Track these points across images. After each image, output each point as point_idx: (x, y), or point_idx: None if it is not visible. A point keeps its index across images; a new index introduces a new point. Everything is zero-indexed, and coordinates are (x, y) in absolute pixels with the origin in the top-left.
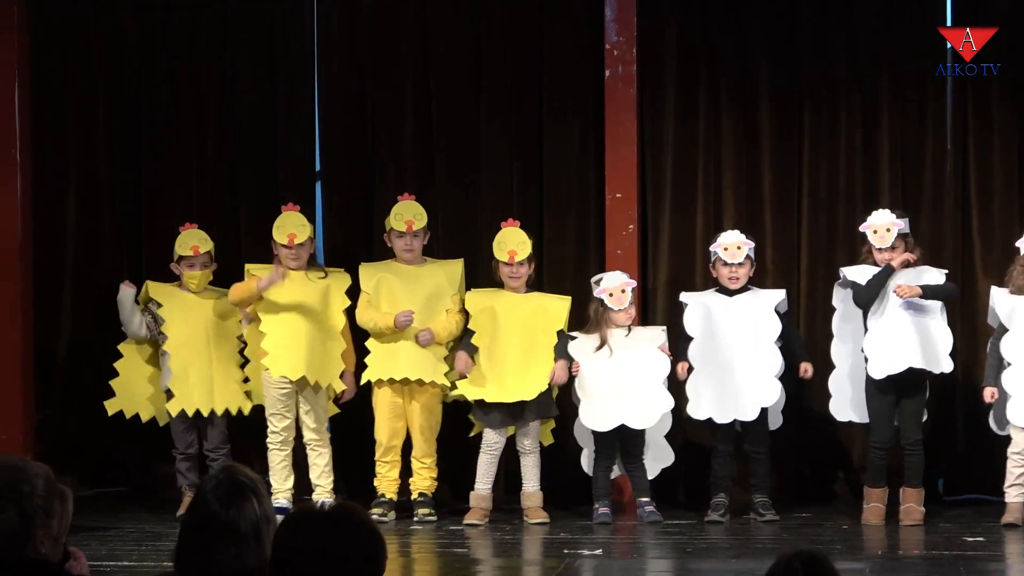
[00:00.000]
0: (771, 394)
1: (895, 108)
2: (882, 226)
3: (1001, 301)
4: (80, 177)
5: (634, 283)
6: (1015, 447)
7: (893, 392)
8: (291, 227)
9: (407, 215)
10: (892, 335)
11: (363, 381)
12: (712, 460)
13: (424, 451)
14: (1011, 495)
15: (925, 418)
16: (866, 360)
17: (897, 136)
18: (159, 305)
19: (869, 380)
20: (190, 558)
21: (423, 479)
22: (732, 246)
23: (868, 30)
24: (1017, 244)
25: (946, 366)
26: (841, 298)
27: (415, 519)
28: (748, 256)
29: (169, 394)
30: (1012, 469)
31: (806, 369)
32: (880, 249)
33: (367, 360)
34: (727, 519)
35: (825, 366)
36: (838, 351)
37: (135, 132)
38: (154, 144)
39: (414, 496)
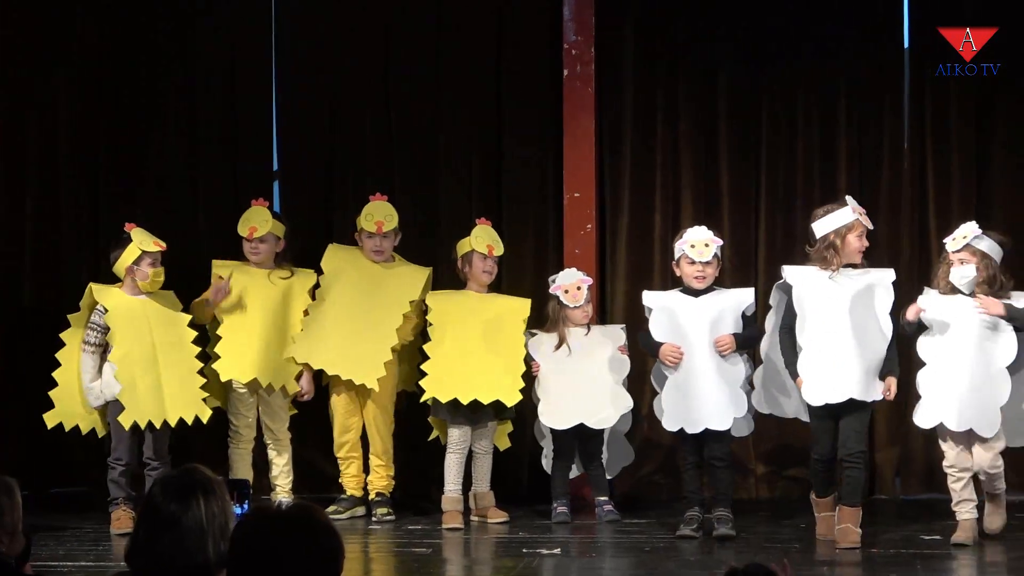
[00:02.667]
0: (741, 403)
1: (853, 109)
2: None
3: (924, 301)
4: (39, 179)
5: (590, 281)
6: (947, 461)
7: (834, 409)
8: (253, 220)
9: (378, 216)
10: (831, 361)
11: (285, 356)
12: (683, 473)
13: (380, 450)
14: (961, 512)
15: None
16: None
17: (854, 136)
18: (105, 310)
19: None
20: (137, 551)
21: (380, 478)
22: (700, 243)
23: (827, 31)
24: (944, 241)
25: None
26: (778, 299)
27: (373, 519)
28: (715, 255)
29: (118, 405)
30: (953, 485)
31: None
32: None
33: (296, 337)
34: (700, 534)
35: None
36: (769, 349)
37: (94, 134)
38: (113, 145)
39: (372, 496)
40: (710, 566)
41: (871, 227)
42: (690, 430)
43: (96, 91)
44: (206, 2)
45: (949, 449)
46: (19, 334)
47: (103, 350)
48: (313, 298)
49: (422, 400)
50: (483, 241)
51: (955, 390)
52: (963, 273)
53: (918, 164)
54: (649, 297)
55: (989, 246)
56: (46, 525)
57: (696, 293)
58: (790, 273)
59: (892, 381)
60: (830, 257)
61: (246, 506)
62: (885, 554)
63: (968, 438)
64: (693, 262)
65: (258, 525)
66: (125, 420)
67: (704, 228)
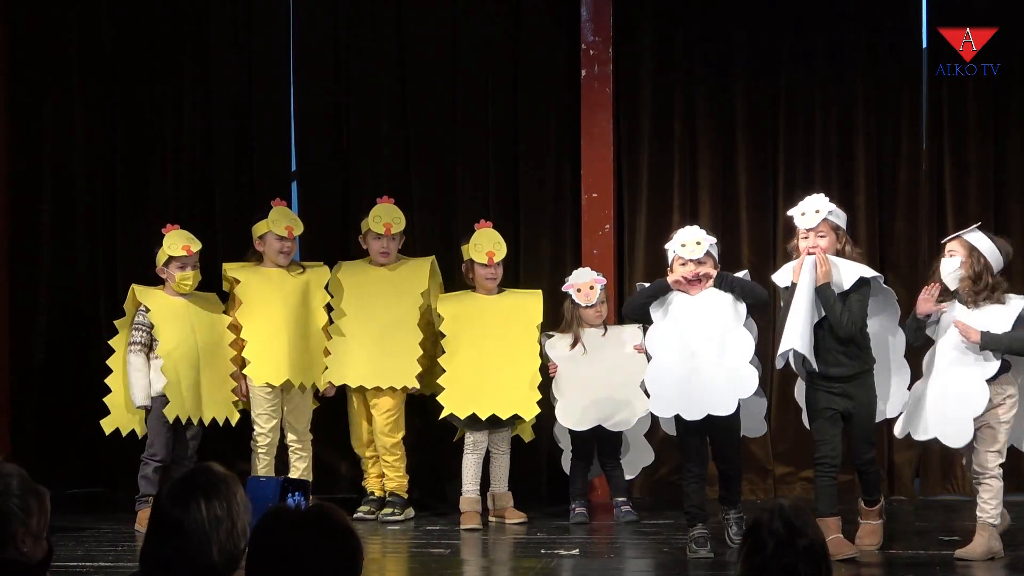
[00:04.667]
0: (749, 383)
1: (870, 108)
2: (691, 240)
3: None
4: (56, 180)
5: (603, 280)
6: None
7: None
8: (286, 220)
9: (386, 218)
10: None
11: (324, 382)
12: (684, 486)
13: (387, 452)
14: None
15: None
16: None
17: (872, 135)
18: (147, 310)
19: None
20: (146, 553)
21: (390, 480)
22: (691, 242)
23: (846, 30)
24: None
25: (890, 412)
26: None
27: (379, 518)
28: (709, 253)
29: (160, 399)
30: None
31: None
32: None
33: (328, 362)
34: (713, 554)
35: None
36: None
37: (111, 134)
38: (130, 146)
39: (386, 496)
40: (723, 566)
41: (804, 226)
42: (688, 416)
43: (112, 93)
44: (224, 4)
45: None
46: (35, 337)
47: (149, 349)
48: (330, 294)
49: (441, 417)
50: (482, 249)
51: (928, 400)
52: (948, 266)
53: (936, 164)
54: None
55: (984, 244)
56: (64, 526)
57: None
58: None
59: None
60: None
61: (295, 501)
62: (903, 555)
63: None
64: (685, 262)
65: (278, 525)
66: (169, 412)
67: (695, 227)
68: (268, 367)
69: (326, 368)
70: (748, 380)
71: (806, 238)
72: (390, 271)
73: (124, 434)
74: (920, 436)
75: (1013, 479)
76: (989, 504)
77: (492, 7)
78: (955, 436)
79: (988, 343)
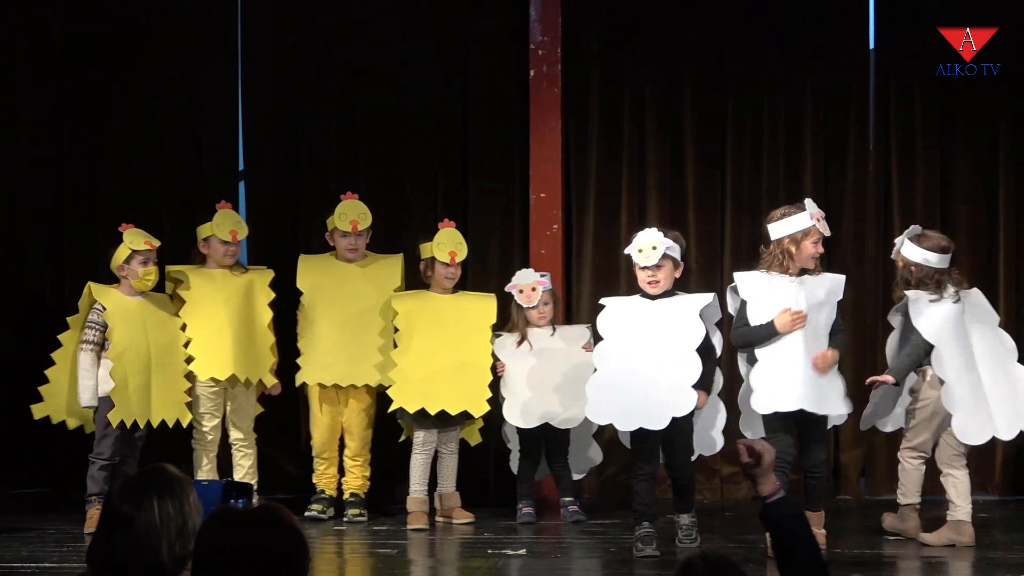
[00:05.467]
0: (686, 404)
1: (818, 110)
2: (647, 244)
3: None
4: (1, 180)
5: (546, 282)
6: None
7: (789, 419)
8: (231, 224)
9: (352, 215)
10: (783, 372)
11: (298, 383)
12: (634, 484)
13: (356, 451)
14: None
15: (851, 410)
16: (751, 391)
17: (820, 138)
18: (103, 309)
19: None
20: (95, 549)
21: (355, 478)
22: (647, 247)
23: (794, 30)
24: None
25: (841, 409)
26: (735, 306)
27: (344, 519)
28: (667, 256)
29: (107, 401)
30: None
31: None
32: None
33: (300, 361)
34: (659, 552)
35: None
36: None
37: (57, 134)
38: (77, 146)
39: (346, 496)
40: (673, 566)
41: (827, 233)
42: (621, 427)
43: (59, 91)
44: (172, 3)
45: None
46: None
47: (100, 348)
48: (275, 292)
49: (390, 410)
50: (445, 248)
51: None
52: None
53: (883, 165)
54: (607, 301)
55: (913, 251)
56: (9, 527)
57: (653, 297)
58: (742, 281)
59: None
60: (784, 262)
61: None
62: (849, 554)
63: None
64: (643, 268)
65: (224, 525)
66: (114, 417)
67: (653, 230)
68: (213, 362)
69: (273, 364)
70: (686, 401)
71: (817, 243)
72: (360, 268)
73: (55, 422)
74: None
75: (979, 478)
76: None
77: (441, 7)
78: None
79: (896, 374)
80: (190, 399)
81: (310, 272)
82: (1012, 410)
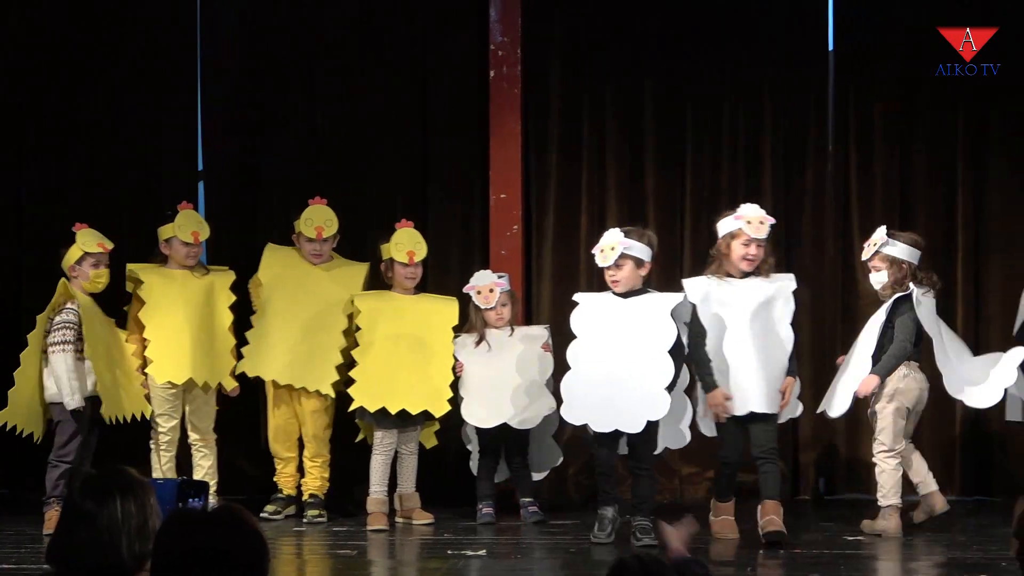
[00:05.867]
0: (660, 407)
1: (777, 111)
2: (755, 218)
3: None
4: None
5: (503, 283)
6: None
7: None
8: (193, 225)
9: (317, 220)
10: (733, 374)
11: (237, 372)
12: (597, 477)
13: (315, 451)
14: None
15: (800, 411)
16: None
17: (779, 138)
18: (77, 307)
19: None
20: (56, 547)
21: (314, 479)
22: (607, 247)
23: (754, 31)
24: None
25: (794, 410)
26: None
27: (304, 520)
28: (626, 255)
29: (93, 400)
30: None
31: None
32: (753, 241)
33: (245, 351)
34: (613, 538)
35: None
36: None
37: (17, 133)
38: (36, 145)
39: (305, 497)
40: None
41: (756, 236)
42: (596, 428)
43: (18, 89)
44: (131, 4)
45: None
46: None
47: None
48: (236, 295)
49: (350, 409)
50: (403, 248)
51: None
52: (877, 280)
53: (842, 166)
54: (580, 296)
55: (900, 250)
56: None
57: (625, 295)
58: (689, 288)
59: (788, 382)
60: (723, 264)
61: (199, 504)
62: (808, 554)
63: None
64: (603, 267)
65: (183, 526)
66: (107, 413)
67: (614, 231)
68: (170, 365)
69: (236, 364)
70: (660, 405)
71: (747, 244)
72: (324, 271)
73: (7, 428)
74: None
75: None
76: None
77: (401, 8)
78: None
79: (884, 371)
80: (146, 391)
81: (274, 264)
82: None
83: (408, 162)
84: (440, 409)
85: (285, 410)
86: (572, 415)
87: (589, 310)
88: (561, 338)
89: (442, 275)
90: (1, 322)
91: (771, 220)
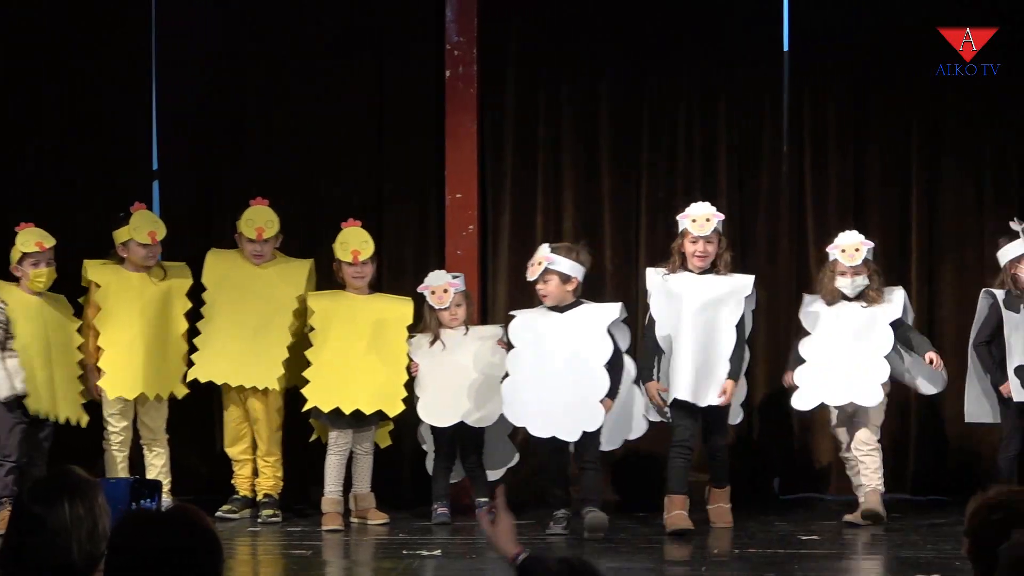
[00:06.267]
0: (595, 419)
1: (733, 111)
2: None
3: (808, 308)
4: None
5: (457, 284)
6: (863, 440)
7: (692, 406)
8: (149, 226)
9: (258, 221)
10: (677, 363)
11: (189, 378)
12: (550, 475)
13: (267, 451)
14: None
15: (740, 419)
16: (657, 378)
17: (735, 139)
18: (5, 304)
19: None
20: (6, 551)
21: (267, 479)
22: (535, 263)
23: (709, 32)
24: (828, 250)
25: (716, 400)
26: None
27: (259, 520)
28: (551, 270)
29: (17, 397)
30: (871, 464)
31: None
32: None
33: (195, 357)
34: (569, 532)
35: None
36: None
37: None
38: None
39: (259, 497)
40: (582, 547)
41: (698, 233)
42: (535, 432)
43: None
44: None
45: (844, 434)
46: None
47: (3, 345)
48: (191, 300)
49: (304, 409)
50: (348, 247)
51: (833, 372)
52: (858, 283)
53: (796, 166)
54: (517, 313)
55: (868, 253)
56: None
57: (561, 309)
58: (648, 277)
59: (729, 384)
60: (677, 260)
61: (152, 505)
62: (763, 553)
63: (851, 422)
64: (533, 282)
65: (137, 526)
66: (31, 406)
67: (544, 247)
68: (123, 380)
69: (187, 370)
70: (596, 416)
71: (695, 242)
72: (265, 270)
73: None
74: (835, 401)
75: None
76: (877, 472)
77: (357, 6)
78: (869, 396)
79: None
80: (85, 400)
81: (217, 268)
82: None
83: (364, 162)
84: (395, 409)
85: (237, 412)
86: (513, 416)
87: (526, 325)
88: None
89: (398, 275)
90: None
91: (719, 217)
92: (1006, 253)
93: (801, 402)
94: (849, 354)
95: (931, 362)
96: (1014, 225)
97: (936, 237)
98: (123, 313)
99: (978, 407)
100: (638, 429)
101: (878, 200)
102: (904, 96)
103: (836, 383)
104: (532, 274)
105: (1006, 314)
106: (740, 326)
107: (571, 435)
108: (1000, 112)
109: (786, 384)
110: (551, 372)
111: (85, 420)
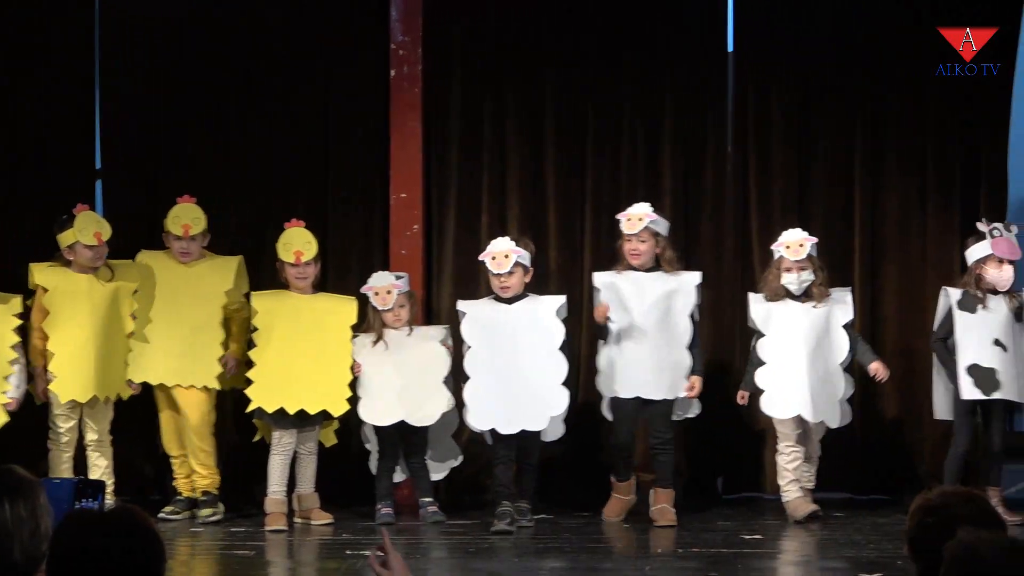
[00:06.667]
0: (560, 402)
1: (678, 110)
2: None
3: (756, 307)
4: None
5: (401, 284)
6: (785, 441)
7: (630, 404)
8: (94, 227)
9: (184, 219)
10: (625, 359)
11: (126, 378)
12: (494, 468)
13: (200, 447)
14: (792, 491)
15: (695, 411)
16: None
17: (679, 138)
18: None
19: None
20: None
21: (203, 477)
22: (500, 255)
23: (653, 32)
24: (772, 248)
25: (672, 394)
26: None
27: (198, 520)
28: (519, 263)
29: None
30: (788, 465)
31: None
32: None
33: (130, 359)
34: (514, 527)
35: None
36: None
37: None
38: None
39: (198, 495)
40: (532, 570)
41: (626, 231)
42: (504, 431)
43: None
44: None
45: (786, 430)
46: None
47: None
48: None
49: (248, 410)
50: (290, 249)
51: (803, 385)
52: (803, 279)
53: (741, 167)
54: (463, 305)
55: (813, 250)
56: None
57: (509, 301)
58: (598, 280)
59: (696, 380)
60: (623, 260)
61: (95, 506)
62: (706, 553)
63: (802, 423)
64: (495, 274)
65: (79, 526)
66: None
67: (505, 239)
68: (75, 384)
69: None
70: (560, 401)
71: (628, 241)
72: (193, 268)
73: None
74: (811, 418)
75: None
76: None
77: (301, 6)
78: (835, 418)
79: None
80: (9, 401)
81: (146, 269)
82: None
83: (309, 161)
84: (339, 409)
85: (171, 411)
86: (478, 421)
87: (477, 318)
88: (460, 338)
89: (342, 274)
90: None
91: (651, 217)
92: (972, 253)
93: (775, 409)
94: (811, 362)
95: (875, 373)
96: (981, 226)
97: (879, 236)
98: (72, 316)
99: (945, 404)
100: (555, 431)
101: (822, 200)
102: (847, 95)
103: (805, 396)
104: (501, 267)
105: (959, 314)
106: (694, 319)
107: (539, 423)
108: (942, 111)
109: (740, 401)
110: (510, 365)
111: (3, 420)
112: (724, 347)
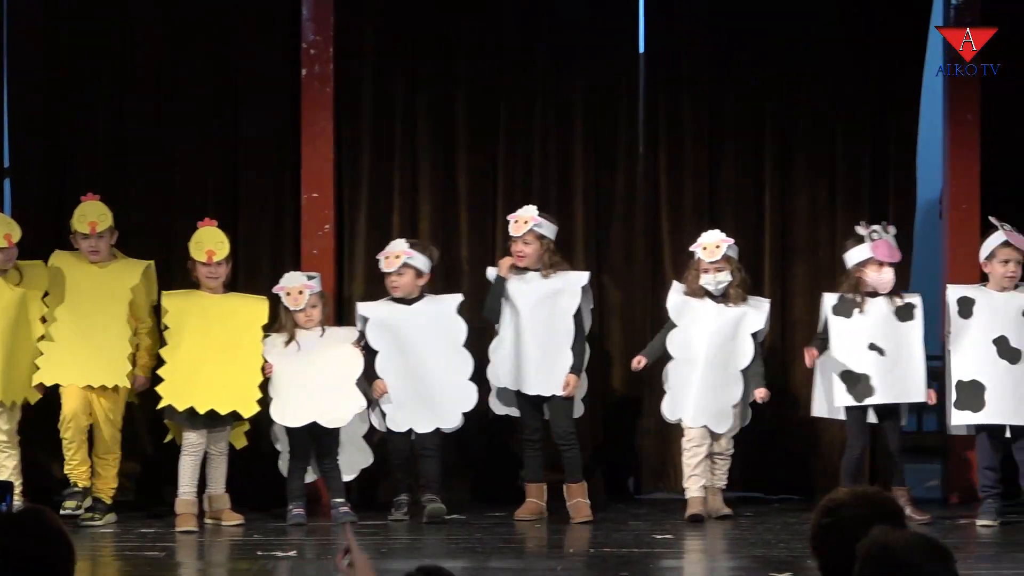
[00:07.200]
0: (469, 398)
1: (589, 112)
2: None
3: (675, 296)
4: None
5: (313, 285)
6: (688, 438)
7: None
8: (4, 228)
9: (91, 216)
10: (515, 353)
11: (35, 382)
12: (392, 461)
13: (107, 448)
14: (692, 488)
15: (582, 412)
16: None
17: (590, 139)
18: None
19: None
20: None
21: (106, 481)
22: (392, 255)
23: (564, 32)
24: (691, 248)
25: (556, 390)
26: None
27: (81, 521)
28: (408, 264)
29: None
30: (688, 460)
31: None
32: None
33: (39, 362)
34: (408, 517)
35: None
36: None
37: None
38: None
39: (93, 492)
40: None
41: (512, 233)
42: (420, 430)
43: None
44: None
45: (691, 426)
46: None
47: None
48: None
49: (159, 407)
50: (202, 248)
51: (697, 389)
52: (720, 279)
53: (652, 168)
54: (364, 308)
55: (734, 251)
56: None
57: (409, 302)
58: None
59: (571, 379)
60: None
61: (3, 507)
62: (617, 553)
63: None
64: (386, 273)
65: None
66: None
67: (399, 241)
68: None
69: (36, 371)
70: (469, 397)
71: (513, 243)
72: (101, 269)
73: None
74: (690, 423)
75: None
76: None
77: (212, 4)
78: (721, 423)
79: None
80: None
81: (58, 269)
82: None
83: (219, 160)
84: (249, 409)
85: (77, 403)
86: (395, 424)
87: (380, 321)
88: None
89: (253, 275)
90: None
91: (535, 220)
92: (852, 257)
93: (668, 411)
94: (711, 365)
95: (758, 398)
96: (860, 229)
97: (789, 239)
98: None
99: (822, 403)
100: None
101: (733, 201)
102: (758, 97)
103: (696, 400)
104: (389, 266)
105: (834, 319)
106: (579, 319)
107: (452, 422)
108: (851, 113)
109: (635, 366)
110: (417, 365)
111: None
112: (636, 346)
